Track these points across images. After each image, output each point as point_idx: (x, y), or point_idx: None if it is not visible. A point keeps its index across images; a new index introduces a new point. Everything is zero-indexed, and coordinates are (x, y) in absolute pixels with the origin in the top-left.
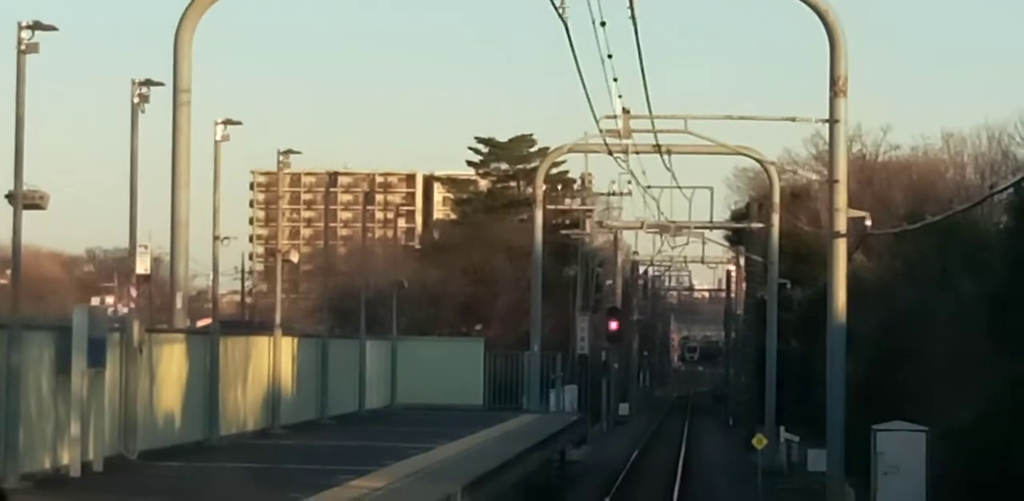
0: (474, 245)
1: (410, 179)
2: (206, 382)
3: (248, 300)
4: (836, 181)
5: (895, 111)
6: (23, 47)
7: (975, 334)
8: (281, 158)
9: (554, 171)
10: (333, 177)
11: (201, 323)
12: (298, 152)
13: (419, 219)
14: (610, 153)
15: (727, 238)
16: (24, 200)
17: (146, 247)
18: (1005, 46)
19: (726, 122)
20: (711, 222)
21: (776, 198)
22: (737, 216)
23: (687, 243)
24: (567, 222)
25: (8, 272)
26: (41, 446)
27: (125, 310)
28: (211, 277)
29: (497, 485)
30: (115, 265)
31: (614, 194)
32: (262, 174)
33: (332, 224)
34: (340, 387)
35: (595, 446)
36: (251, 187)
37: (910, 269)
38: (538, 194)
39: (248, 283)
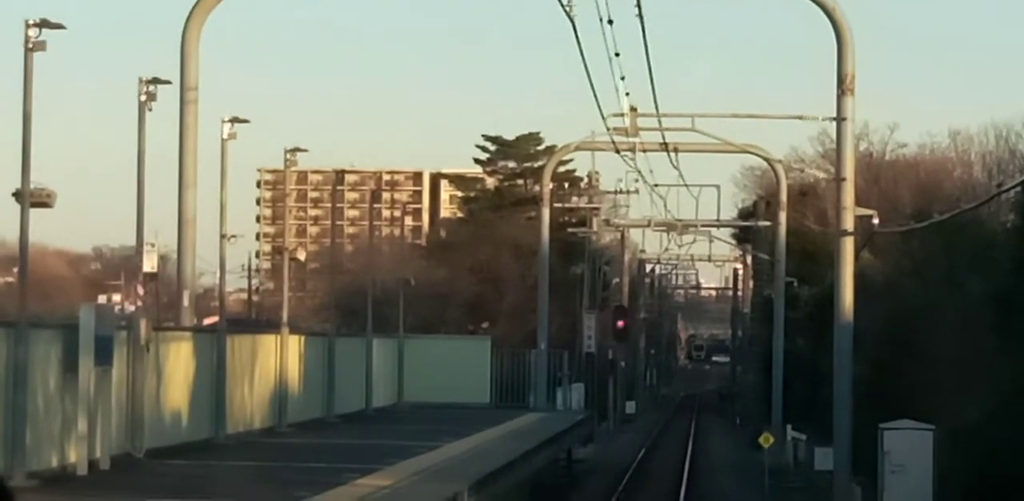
0: (481, 243)
1: (417, 177)
2: (213, 380)
3: (255, 298)
4: (843, 179)
5: (902, 109)
6: (30, 45)
7: (982, 333)
8: (288, 156)
9: (561, 169)
10: (340, 175)
11: (208, 321)
12: (305, 150)
13: (426, 217)
14: (617, 151)
15: (734, 236)
16: (31, 198)
17: (153, 245)
18: (1013, 45)
19: (733, 120)
20: (718, 220)
21: (783, 196)
22: (744, 214)
23: (694, 241)
24: (574, 220)
25: (15, 270)
26: (48, 444)
27: (132, 308)
28: (218, 275)
29: (504, 484)
30: (122, 263)
31: (621, 192)
32: (269, 172)
33: (339, 222)
34: (347, 385)
35: (602, 445)
36: (258, 185)
37: (917, 267)
38: (545, 192)
39: (255, 281)
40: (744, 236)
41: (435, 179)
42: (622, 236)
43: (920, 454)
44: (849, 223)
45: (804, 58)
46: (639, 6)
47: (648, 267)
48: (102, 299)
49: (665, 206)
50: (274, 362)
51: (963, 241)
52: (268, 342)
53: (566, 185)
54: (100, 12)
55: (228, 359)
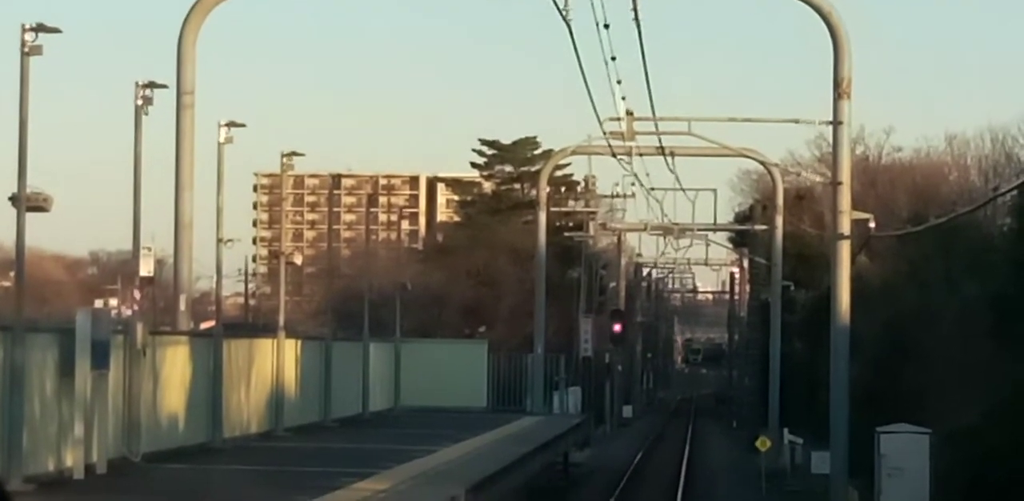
0: (478, 247)
1: (414, 181)
2: (209, 384)
3: (251, 302)
4: (839, 183)
5: (898, 113)
6: (26, 49)
7: (979, 336)
8: (284, 160)
9: (558, 173)
10: (336, 179)
11: (204, 325)
12: (301, 154)
13: (423, 221)
14: (614, 155)
15: (731, 240)
16: (27, 202)
17: (149, 249)
18: (1009, 48)
19: (729, 124)
20: (714, 224)
21: (779, 200)
22: (740, 218)
23: (690, 245)
24: (571, 224)
25: (11, 275)
26: (45, 448)
27: (129, 312)
28: (214, 279)
29: (500, 487)
30: (118, 267)
31: (617, 196)
32: (265, 176)
33: (335, 226)
34: (343, 389)
35: (599, 448)
36: (254, 189)
37: (914, 271)
38: (542, 196)
39: (251, 285)
40: (741, 240)
41: (432, 183)
42: (619, 240)
43: (917, 457)
44: (845, 227)
45: (800, 62)
46: (635, 10)
47: (645, 271)
48: (99, 303)
49: (662, 210)
50: (271, 366)
51: (960, 245)
52: (265, 346)
53: (563, 189)
54: (97, 16)
55: (225, 363)
